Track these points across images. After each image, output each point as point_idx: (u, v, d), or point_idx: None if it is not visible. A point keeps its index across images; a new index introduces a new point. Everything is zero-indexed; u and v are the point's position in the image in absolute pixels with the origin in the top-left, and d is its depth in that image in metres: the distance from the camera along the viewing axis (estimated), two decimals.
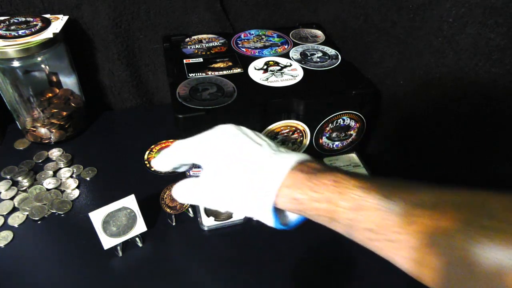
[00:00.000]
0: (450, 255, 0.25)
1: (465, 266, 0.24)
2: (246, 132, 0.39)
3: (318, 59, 0.67)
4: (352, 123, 0.63)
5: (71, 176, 0.61)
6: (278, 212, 0.36)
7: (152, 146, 0.67)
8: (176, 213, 0.53)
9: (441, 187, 0.28)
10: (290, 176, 0.33)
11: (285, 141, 0.62)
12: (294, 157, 0.35)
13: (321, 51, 0.70)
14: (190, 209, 0.55)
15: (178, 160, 0.41)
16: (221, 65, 0.65)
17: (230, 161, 0.36)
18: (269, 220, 0.35)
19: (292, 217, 0.38)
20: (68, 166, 0.63)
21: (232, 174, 0.36)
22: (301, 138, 0.62)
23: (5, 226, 0.53)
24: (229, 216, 0.55)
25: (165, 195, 0.52)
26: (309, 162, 0.35)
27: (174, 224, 0.54)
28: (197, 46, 0.70)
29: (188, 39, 0.72)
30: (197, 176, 0.39)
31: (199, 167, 0.40)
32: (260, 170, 0.35)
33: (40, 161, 0.64)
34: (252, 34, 0.75)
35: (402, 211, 0.28)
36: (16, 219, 0.54)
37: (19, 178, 0.59)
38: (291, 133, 0.61)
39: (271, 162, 0.35)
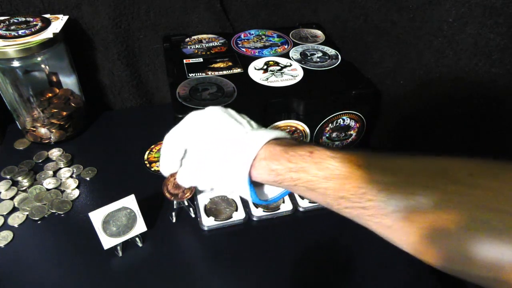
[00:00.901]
0: (413, 217, 0.27)
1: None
2: (231, 113, 0.41)
3: (318, 59, 0.67)
4: (352, 123, 0.63)
5: (71, 176, 0.61)
6: (257, 188, 0.39)
7: (152, 146, 0.67)
8: (176, 200, 0.51)
9: (410, 156, 0.30)
10: (267, 149, 0.35)
11: None
12: (272, 133, 0.37)
13: (321, 51, 0.70)
14: (191, 209, 0.55)
15: (178, 154, 0.42)
16: (221, 65, 0.65)
17: (213, 141, 0.39)
18: (247, 193, 0.37)
19: (271, 193, 0.41)
20: (68, 166, 0.63)
21: (215, 153, 0.38)
22: (301, 138, 0.62)
23: (5, 226, 0.53)
24: (229, 216, 0.55)
25: (169, 181, 0.49)
26: (286, 139, 0.37)
27: (174, 221, 0.54)
28: (197, 46, 0.70)
29: (188, 39, 0.72)
30: None
31: None
32: (238, 144, 0.37)
33: (40, 161, 0.64)
34: (252, 34, 0.75)
35: (374, 179, 0.29)
36: (16, 219, 0.54)
37: (19, 178, 0.59)
38: (291, 133, 0.61)
39: (248, 137, 0.37)
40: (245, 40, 0.73)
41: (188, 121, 0.42)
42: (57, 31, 0.59)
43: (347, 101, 0.60)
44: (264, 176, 0.36)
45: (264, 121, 0.58)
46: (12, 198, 0.57)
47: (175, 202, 0.55)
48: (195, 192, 0.58)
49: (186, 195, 0.50)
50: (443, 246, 0.25)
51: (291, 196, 0.58)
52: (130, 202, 0.48)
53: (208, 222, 0.54)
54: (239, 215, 0.55)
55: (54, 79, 0.68)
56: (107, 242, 0.48)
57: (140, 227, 0.50)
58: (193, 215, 0.55)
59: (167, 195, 0.49)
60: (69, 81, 0.69)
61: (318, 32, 0.77)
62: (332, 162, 0.32)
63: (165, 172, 0.46)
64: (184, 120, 0.42)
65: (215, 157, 0.38)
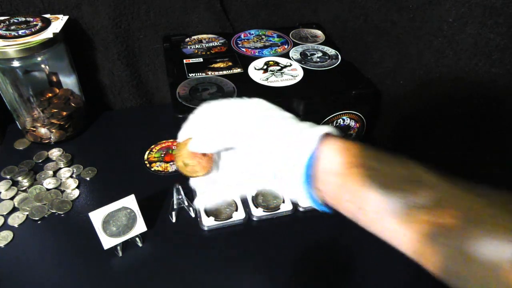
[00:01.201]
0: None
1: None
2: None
3: (318, 59, 0.67)
4: (352, 123, 0.63)
5: (71, 176, 0.61)
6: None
7: (152, 146, 0.67)
8: (189, 174, 0.38)
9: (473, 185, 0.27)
10: (333, 139, 0.32)
11: None
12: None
13: (321, 51, 0.70)
14: (191, 209, 0.55)
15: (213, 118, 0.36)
16: (221, 65, 0.65)
17: (268, 115, 0.35)
18: (299, 173, 0.31)
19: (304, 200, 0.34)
20: (68, 166, 0.63)
21: (270, 124, 0.34)
22: None
23: (5, 226, 0.53)
24: (229, 216, 0.55)
25: (183, 150, 0.38)
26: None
27: (174, 221, 0.54)
28: (197, 46, 0.70)
29: (188, 39, 0.72)
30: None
31: None
32: (301, 124, 0.33)
33: (40, 161, 0.64)
34: (252, 34, 0.75)
35: (468, 199, 0.25)
36: (16, 219, 0.54)
37: (19, 178, 0.59)
38: None
39: (314, 126, 0.33)
40: (245, 40, 0.73)
41: (238, 104, 0.38)
42: (57, 31, 0.59)
43: (347, 101, 0.60)
44: (327, 164, 0.30)
45: None
46: (12, 198, 0.57)
47: (175, 201, 0.55)
48: (195, 191, 0.58)
49: (203, 168, 0.37)
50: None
51: None
52: (130, 202, 0.48)
53: (208, 222, 0.54)
54: (239, 215, 0.55)
55: (54, 79, 0.68)
56: (107, 242, 0.48)
57: (140, 227, 0.50)
58: (193, 215, 0.55)
59: (181, 166, 0.37)
60: (69, 81, 0.69)
61: (318, 32, 0.77)
62: (417, 167, 0.28)
63: (184, 134, 0.38)
64: (233, 100, 0.38)
65: (269, 127, 0.33)
